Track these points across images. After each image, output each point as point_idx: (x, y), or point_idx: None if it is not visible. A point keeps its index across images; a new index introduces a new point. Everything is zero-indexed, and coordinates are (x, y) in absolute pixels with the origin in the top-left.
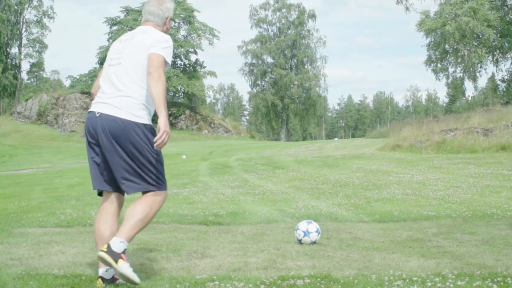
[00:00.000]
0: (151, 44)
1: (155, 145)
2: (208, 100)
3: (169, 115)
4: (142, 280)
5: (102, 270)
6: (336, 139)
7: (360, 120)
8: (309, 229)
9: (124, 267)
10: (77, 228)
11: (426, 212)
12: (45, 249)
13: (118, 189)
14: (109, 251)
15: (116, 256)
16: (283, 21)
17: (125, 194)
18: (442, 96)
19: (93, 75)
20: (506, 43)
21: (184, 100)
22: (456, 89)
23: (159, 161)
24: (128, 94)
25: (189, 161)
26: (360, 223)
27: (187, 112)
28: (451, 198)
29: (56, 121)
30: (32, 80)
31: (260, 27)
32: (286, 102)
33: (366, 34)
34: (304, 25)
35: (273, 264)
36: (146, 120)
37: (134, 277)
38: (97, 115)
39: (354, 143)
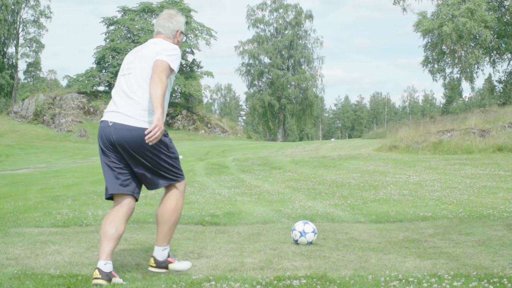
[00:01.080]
0: (157, 52)
1: (146, 138)
2: (205, 100)
3: (166, 115)
4: (138, 280)
5: (101, 263)
6: (332, 139)
7: (357, 121)
8: (305, 229)
9: (175, 267)
10: (73, 228)
11: (422, 213)
12: (42, 249)
13: (133, 192)
14: (158, 265)
15: (164, 264)
16: (280, 22)
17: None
18: (439, 97)
19: (89, 75)
20: (503, 44)
21: (181, 100)
22: (453, 90)
23: (175, 157)
24: (138, 101)
25: (185, 161)
26: (356, 224)
27: (184, 112)
28: (447, 199)
29: (52, 121)
30: (28, 79)
31: (257, 27)
32: (283, 103)
33: (363, 35)
34: (301, 25)
35: (270, 264)
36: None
37: (187, 265)
38: (110, 124)
39: (350, 144)
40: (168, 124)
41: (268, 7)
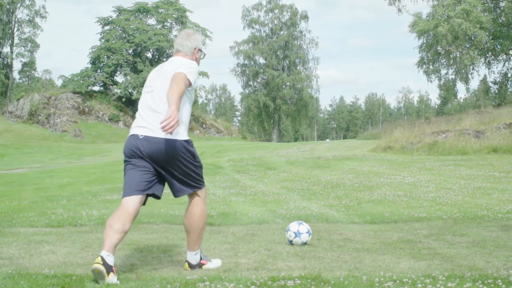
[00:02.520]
0: (175, 68)
1: (161, 126)
2: (200, 101)
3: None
4: (133, 280)
5: (104, 253)
6: (327, 140)
7: (352, 122)
8: (300, 230)
9: (208, 267)
10: (68, 228)
11: (417, 214)
12: (36, 249)
13: (145, 195)
14: (192, 268)
15: (198, 267)
16: (275, 22)
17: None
18: (434, 98)
19: (84, 75)
20: (498, 45)
21: None
22: (448, 91)
23: (200, 166)
24: (164, 114)
25: None
26: (351, 224)
27: None
28: (442, 200)
29: (47, 120)
30: (23, 79)
31: (253, 27)
32: (278, 103)
33: (358, 36)
34: (297, 26)
35: (264, 265)
36: (184, 136)
37: (218, 263)
38: (140, 137)
39: (345, 144)
40: None
41: (264, 8)
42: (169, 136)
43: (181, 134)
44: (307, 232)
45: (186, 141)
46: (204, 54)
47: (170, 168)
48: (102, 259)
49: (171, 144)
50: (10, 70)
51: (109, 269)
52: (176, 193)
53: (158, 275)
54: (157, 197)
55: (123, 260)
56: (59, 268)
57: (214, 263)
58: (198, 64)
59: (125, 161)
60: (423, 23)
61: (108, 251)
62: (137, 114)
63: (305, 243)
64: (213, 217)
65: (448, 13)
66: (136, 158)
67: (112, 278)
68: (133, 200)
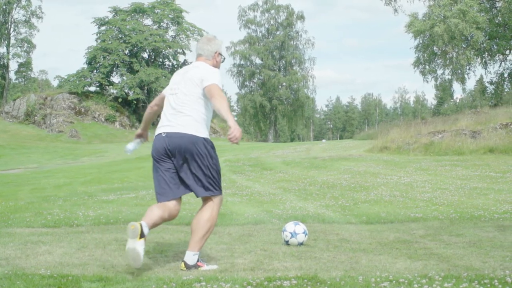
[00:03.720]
0: (201, 78)
1: (228, 137)
2: None
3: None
4: (129, 281)
5: (144, 222)
6: (324, 140)
7: (348, 122)
8: (296, 230)
9: (204, 269)
10: (64, 228)
11: (413, 214)
12: (32, 249)
13: (179, 197)
14: (188, 268)
15: (194, 267)
16: (271, 22)
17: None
18: (430, 98)
19: (81, 75)
20: (494, 45)
21: None
22: (444, 91)
23: (217, 170)
24: (186, 114)
25: None
26: (347, 225)
27: None
28: (438, 200)
29: (43, 121)
30: (20, 80)
31: (249, 28)
32: (274, 103)
33: (354, 36)
34: (293, 26)
35: (260, 265)
36: (205, 134)
37: (214, 268)
38: (163, 135)
39: (342, 145)
40: None
41: (260, 8)
42: (189, 132)
43: (201, 132)
44: (303, 233)
45: (205, 139)
46: (224, 58)
47: (188, 165)
48: (141, 225)
49: (191, 139)
50: (7, 70)
51: (142, 235)
52: (196, 192)
53: (155, 275)
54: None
55: (119, 261)
56: (55, 269)
57: (211, 267)
58: (219, 67)
59: (154, 162)
60: (419, 23)
61: (147, 222)
62: (162, 115)
63: (301, 244)
64: None
65: (444, 13)
66: (163, 162)
67: (140, 244)
68: (168, 203)
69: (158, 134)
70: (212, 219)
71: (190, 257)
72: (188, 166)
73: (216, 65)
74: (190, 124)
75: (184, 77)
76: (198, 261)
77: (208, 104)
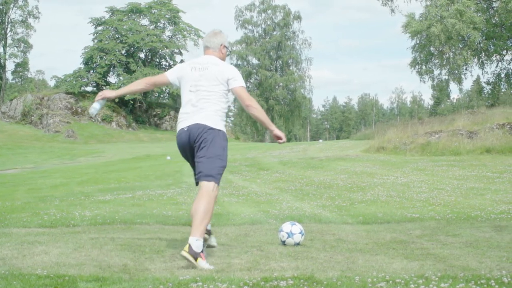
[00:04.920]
0: (226, 77)
1: (279, 142)
2: None
3: (154, 116)
4: (125, 281)
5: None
6: (320, 140)
7: (345, 122)
8: (292, 230)
9: (201, 264)
10: (60, 228)
11: (410, 214)
12: (29, 249)
13: None
14: (191, 251)
15: (196, 255)
16: (268, 23)
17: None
18: (427, 98)
19: (77, 75)
20: (491, 46)
21: (169, 101)
22: (441, 91)
23: (223, 162)
24: (207, 109)
25: (173, 162)
26: (344, 225)
27: (172, 113)
28: (435, 200)
29: (40, 121)
30: (16, 80)
31: (246, 28)
32: (271, 104)
33: (351, 36)
34: (290, 26)
35: (257, 265)
36: (222, 127)
37: (208, 267)
38: (185, 129)
39: (338, 145)
40: (156, 125)
41: (257, 8)
42: (208, 124)
43: (219, 125)
44: (300, 233)
45: (220, 131)
46: (229, 51)
47: (200, 150)
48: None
49: (208, 129)
50: (3, 70)
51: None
52: (198, 177)
53: (151, 275)
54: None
55: (115, 261)
56: (52, 269)
57: (206, 265)
58: (224, 59)
59: (182, 155)
60: (416, 23)
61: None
62: (181, 111)
63: (298, 244)
64: None
65: (441, 13)
66: (188, 152)
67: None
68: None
69: (181, 129)
70: (209, 206)
71: (194, 242)
72: (200, 152)
73: (222, 57)
74: (209, 117)
75: (205, 74)
76: (202, 251)
77: (227, 99)
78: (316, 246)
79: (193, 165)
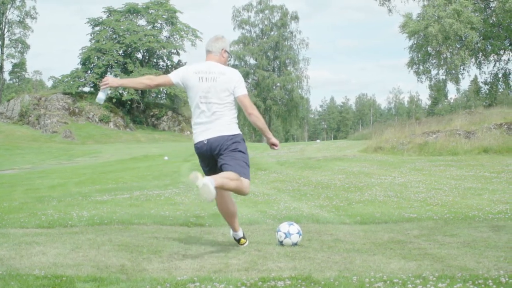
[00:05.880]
0: (233, 86)
1: (276, 148)
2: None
3: (151, 116)
4: (123, 281)
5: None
6: (318, 140)
7: (343, 122)
8: (290, 230)
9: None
10: (58, 229)
11: (407, 214)
12: (26, 250)
13: None
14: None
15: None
16: (265, 23)
17: None
18: (425, 98)
19: (75, 75)
20: (489, 46)
21: (166, 101)
22: (438, 91)
23: (247, 158)
24: (221, 119)
25: (171, 162)
26: (341, 225)
27: (169, 113)
28: (432, 200)
29: (38, 121)
30: (14, 80)
31: (243, 28)
32: (269, 104)
33: (349, 36)
34: (287, 26)
35: (254, 265)
36: (238, 131)
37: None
38: (205, 142)
39: (336, 145)
40: (153, 125)
41: (254, 8)
42: (226, 133)
43: (235, 130)
44: (298, 233)
45: (237, 134)
46: (231, 56)
47: (223, 155)
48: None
49: (228, 138)
50: (1, 71)
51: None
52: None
53: (149, 276)
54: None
55: (113, 261)
56: (49, 269)
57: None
58: (225, 63)
59: (201, 163)
60: (413, 23)
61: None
62: (196, 122)
63: (295, 244)
64: (204, 217)
65: (438, 13)
66: (205, 162)
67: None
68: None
69: (200, 141)
70: (232, 179)
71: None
72: (226, 158)
73: (224, 61)
74: (226, 126)
75: (214, 86)
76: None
77: (236, 105)
78: (313, 246)
79: (209, 172)
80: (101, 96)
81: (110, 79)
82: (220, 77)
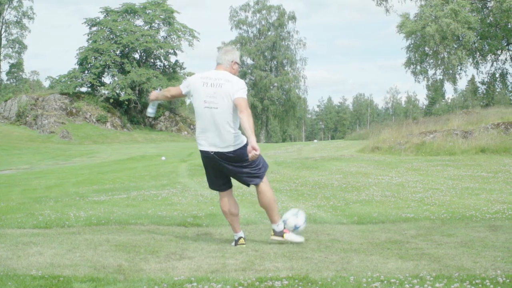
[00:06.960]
0: (235, 90)
1: (249, 156)
2: (187, 102)
3: (149, 117)
4: (120, 281)
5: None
6: (315, 140)
7: (340, 122)
8: (299, 215)
9: (289, 237)
10: (55, 229)
11: (404, 214)
12: (23, 250)
13: (229, 187)
14: (276, 233)
15: (281, 233)
16: (263, 23)
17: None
18: (422, 98)
19: (72, 76)
20: (486, 46)
21: (164, 101)
22: (436, 91)
23: (260, 161)
24: (229, 131)
25: (168, 162)
26: (338, 225)
27: (167, 113)
28: (430, 200)
29: (35, 122)
30: (11, 80)
31: (240, 28)
32: (266, 104)
33: (346, 36)
34: (284, 26)
35: (251, 265)
36: (243, 142)
37: (299, 239)
38: (211, 153)
39: (333, 145)
40: (150, 126)
41: (251, 8)
42: (235, 148)
43: (242, 142)
44: (304, 222)
45: (245, 146)
46: (241, 67)
47: (241, 167)
48: (273, 230)
49: (236, 153)
50: None
51: (280, 233)
52: (250, 182)
53: (146, 276)
54: (246, 185)
55: (110, 261)
56: (46, 269)
57: (295, 237)
58: (236, 74)
59: (206, 168)
60: (411, 23)
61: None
62: (201, 127)
63: (297, 228)
64: (201, 218)
65: (436, 13)
66: (210, 168)
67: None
68: (225, 193)
69: (206, 151)
70: (270, 197)
71: (276, 226)
72: (241, 169)
73: (234, 72)
74: (231, 140)
75: (219, 92)
76: (284, 228)
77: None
78: (310, 246)
79: (214, 178)
80: (150, 110)
81: (154, 94)
82: (226, 83)
